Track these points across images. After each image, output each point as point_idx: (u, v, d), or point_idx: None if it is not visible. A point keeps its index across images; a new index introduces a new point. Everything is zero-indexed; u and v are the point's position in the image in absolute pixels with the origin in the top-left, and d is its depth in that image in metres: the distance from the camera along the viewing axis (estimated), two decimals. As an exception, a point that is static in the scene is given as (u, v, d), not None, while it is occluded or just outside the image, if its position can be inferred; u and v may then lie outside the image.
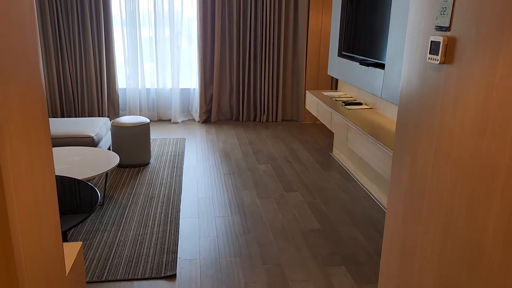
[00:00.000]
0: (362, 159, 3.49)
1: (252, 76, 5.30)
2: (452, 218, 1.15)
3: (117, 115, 5.27)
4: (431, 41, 1.23)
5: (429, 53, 1.25)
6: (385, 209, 3.02)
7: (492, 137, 1.00)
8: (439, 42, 1.19)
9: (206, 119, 5.46)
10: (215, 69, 5.25)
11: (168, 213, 2.90)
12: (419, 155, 1.32)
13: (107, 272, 2.24)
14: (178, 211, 2.94)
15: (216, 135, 4.82)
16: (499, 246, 0.97)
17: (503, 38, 0.96)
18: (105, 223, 2.74)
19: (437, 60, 1.20)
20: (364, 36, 3.09)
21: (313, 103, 3.82)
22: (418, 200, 1.33)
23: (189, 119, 5.52)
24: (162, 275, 2.22)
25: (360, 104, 3.41)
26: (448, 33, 1.17)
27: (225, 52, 5.27)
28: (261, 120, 5.46)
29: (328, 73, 3.82)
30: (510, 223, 0.93)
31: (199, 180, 3.51)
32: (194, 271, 2.27)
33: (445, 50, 1.17)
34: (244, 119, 5.45)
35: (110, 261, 2.33)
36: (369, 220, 2.90)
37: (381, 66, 2.79)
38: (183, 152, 4.18)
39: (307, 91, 4.06)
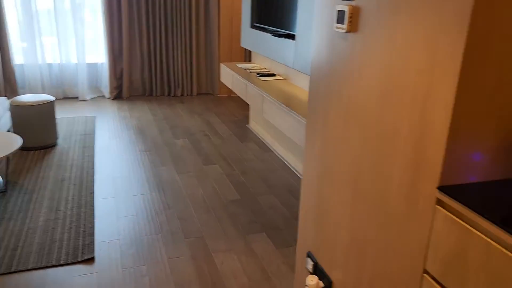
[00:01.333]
0: (277, 129, 3.58)
1: (164, 49, 5.13)
2: (361, 178, 1.24)
3: (15, 93, 4.81)
4: (338, 10, 1.28)
5: (336, 22, 1.30)
6: (301, 176, 3.16)
7: (393, 101, 1.08)
8: (345, 11, 1.24)
9: (117, 95, 5.19)
10: (124, 43, 4.98)
11: (82, 196, 2.75)
12: (330, 121, 1.39)
13: (16, 262, 2.08)
14: (92, 192, 2.80)
15: (129, 112, 4.63)
16: (401, 197, 1.07)
17: (401, 7, 1.02)
18: (10, 211, 2.53)
19: (344, 29, 1.25)
20: (275, 8, 3.13)
21: (227, 75, 3.81)
22: (330, 163, 1.41)
23: (98, 96, 5.22)
24: (79, 259, 2.12)
25: (274, 75, 3.48)
26: (352, 3, 1.22)
27: (133, 24, 5.01)
28: (176, 95, 5.34)
29: (241, 45, 3.82)
30: (410, 176, 1.03)
31: (114, 159, 3.36)
32: (114, 252, 2.20)
33: (351, 19, 1.23)
34: (158, 94, 5.29)
35: (19, 251, 2.16)
36: (287, 188, 3.01)
37: (292, 37, 2.85)
38: (93, 131, 3.96)
39: (221, 64, 4.03)
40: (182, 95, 5.36)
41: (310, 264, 1.60)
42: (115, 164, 3.26)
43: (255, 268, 2.12)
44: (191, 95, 5.40)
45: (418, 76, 0.99)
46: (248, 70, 3.69)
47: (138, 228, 2.43)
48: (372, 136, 1.18)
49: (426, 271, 1.01)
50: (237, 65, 3.95)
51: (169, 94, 5.34)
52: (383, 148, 1.14)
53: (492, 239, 0.82)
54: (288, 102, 2.72)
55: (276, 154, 3.62)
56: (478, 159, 0.97)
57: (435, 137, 0.95)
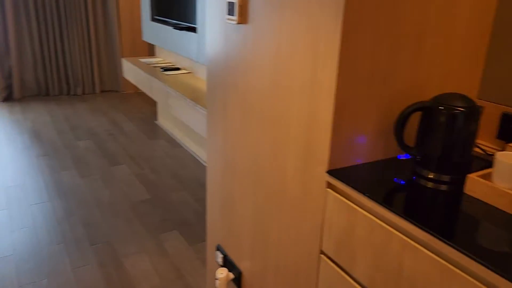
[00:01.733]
0: (186, 124, 3.53)
1: (60, 43, 4.76)
2: (260, 167, 1.26)
3: None
4: (228, 2, 1.27)
5: (228, 14, 1.29)
6: (212, 169, 3.15)
7: (283, 90, 1.10)
8: (234, 2, 1.24)
9: (8, 96, 4.73)
10: (10, 39, 4.53)
11: (-32, 210, 2.46)
12: (229, 113, 1.39)
13: None
14: (-19, 205, 2.53)
15: (23, 114, 4.24)
16: (297, 183, 1.10)
17: (284, -2, 1.05)
18: None
19: (235, 21, 1.25)
20: (174, 0, 3.05)
21: (130, 71, 3.66)
22: (232, 155, 1.41)
23: (-15, 98, 4.71)
24: (-33, 281, 1.90)
25: (179, 69, 3.41)
26: (241, -6, 1.23)
27: (20, 18, 4.58)
28: (77, 93, 5.01)
29: (143, 39, 3.69)
30: (303, 162, 1.06)
31: (5, 167, 3.06)
32: (8, 270, 2.01)
33: (240, 10, 1.23)
34: (56, 94, 4.91)
35: None
36: (198, 183, 2.98)
37: (194, 29, 2.81)
38: (-20, 137, 3.57)
39: (123, 59, 3.85)
40: (84, 93, 5.04)
41: (220, 257, 1.60)
42: (7, 173, 2.97)
43: (167, 267, 2.07)
44: (94, 93, 5.10)
45: (304, 64, 1.02)
46: (152, 65, 3.58)
47: (37, 240, 2.24)
48: (268, 125, 1.20)
49: (322, 252, 1.05)
50: (140, 59, 3.80)
51: (68, 93, 4.98)
52: (278, 136, 1.16)
53: (374, 216, 0.88)
54: (194, 96, 2.69)
55: (187, 149, 3.56)
56: (363, 142, 1.03)
57: (322, 123, 0.99)
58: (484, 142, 1.16)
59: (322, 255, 1.05)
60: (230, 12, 1.28)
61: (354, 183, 0.93)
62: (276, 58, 1.12)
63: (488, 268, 0.66)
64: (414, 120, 1.08)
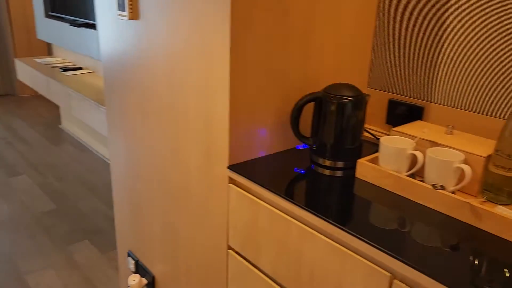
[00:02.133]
0: (92, 126, 3.34)
1: None
2: (164, 167, 1.22)
3: None
4: (118, -3, 1.21)
5: (118, 10, 1.23)
6: (124, 172, 3.02)
7: (181, 87, 1.08)
8: (124, -3, 1.18)
9: None
10: None
11: None
12: (129, 113, 1.33)
13: None
14: None
15: None
16: (200, 181, 1.09)
17: (174, -7, 1.02)
18: None
19: (126, 17, 1.20)
20: (69, -5, 2.86)
21: (25, 72, 3.36)
22: (134, 155, 1.36)
23: None
24: None
25: (80, 68, 3.21)
26: (131, -11, 1.17)
27: None
28: (-35, 100, 4.50)
29: (38, 37, 3.41)
30: (205, 159, 1.05)
31: None
32: None
33: (131, 5, 1.18)
34: None
35: None
36: (109, 187, 2.84)
37: (94, 26, 2.65)
38: None
39: (15, 60, 3.53)
40: (-27, 99, 4.54)
41: (131, 263, 1.54)
42: None
43: (78, 280, 1.95)
44: (-14, 98, 4.62)
45: (198, 61, 1.01)
46: (50, 65, 3.32)
47: None
48: (168, 124, 1.17)
49: (230, 247, 1.05)
50: (37, 60, 3.51)
51: (-46, 100, 4.46)
52: (178, 135, 1.14)
53: (274, 207, 0.90)
54: (97, 96, 2.54)
55: (95, 153, 3.38)
56: (263, 135, 1.05)
57: (219, 119, 0.98)
58: (375, 128, 1.24)
59: (230, 250, 1.05)
60: (121, 7, 1.22)
61: (254, 176, 0.94)
62: (170, 55, 1.09)
63: (377, 248, 0.70)
64: (310, 111, 1.11)
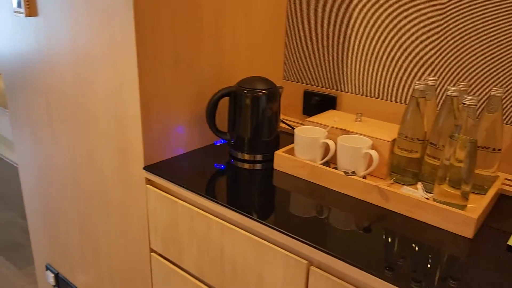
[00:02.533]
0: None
1: None
2: (78, 171, 1.15)
3: None
4: (12, -8, 1.11)
5: (16, 6, 1.13)
6: (41, 180, 2.82)
7: (88, 88, 1.02)
8: (19, -8, 1.09)
9: None
10: None
11: None
12: (35, 116, 1.24)
13: None
14: None
15: None
16: (117, 184, 1.04)
17: (74, -14, 0.96)
18: None
19: (23, 13, 1.10)
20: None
21: None
22: (45, 160, 1.27)
23: None
24: None
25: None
26: (26, -18, 1.08)
27: None
28: None
29: None
30: (120, 161, 1.00)
31: None
32: None
33: (28, 1, 1.09)
34: None
35: None
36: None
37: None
38: None
39: None
40: None
41: (51, 277, 1.44)
42: None
43: (-7, 301, 1.79)
44: None
45: (104, 58, 0.95)
46: None
47: None
48: (79, 124, 1.10)
49: (152, 250, 1.02)
50: None
51: None
52: (91, 136, 1.08)
53: (193, 205, 0.88)
54: (2, 100, 2.34)
55: (8, 161, 3.12)
56: (180, 133, 1.02)
57: (132, 119, 0.94)
58: (293, 119, 1.27)
59: (152, 253, 1.02)
60: (18, 3, 1.12)
61: (172, 176, 0.91)
62: (74, 53, 1.02)
63: (292, 237, 0.71)
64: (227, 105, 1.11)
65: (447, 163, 0.75)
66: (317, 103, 1.20)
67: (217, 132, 1.01)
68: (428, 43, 0.99)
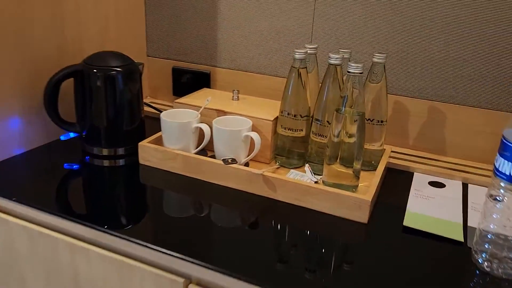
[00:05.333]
0: None
1: None
2: None
3: None
4: None
5: None
6: None
7: None
8: None
9: None
10: None
11: None
12: None
13: None
14: None
15: None
16: None
17: None
18: None
19: None
20: None
21: None
22: None
23: None
24: None
25: None
26: None
27: None
28: None
29: None
30: None
31: None
32: None
33: None
34: None
35: None
36: None
37: None
38: None
39: None
40: None
41: None
42: None
43: None
44: None
45: None
46: None
47: None
48: None
49: (-13, 284, 0.78)
50: None
51: None
52: None
53: (33, 223, 0.67)
54: None
55: None
56: (16, 127, 0.79)
57: None
58: (162, 101, 1.10)
59: (-13, 288, 0.78)
60: None
61: (1, 186, 0.69)
62: None
63: (164, 253, 0.56)
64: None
65: (335, 140, 0.66)
66: (188, 82, 1.04)
67: (61, 123, 0.80)
68: (305, 7, 0.90)
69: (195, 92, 0.91)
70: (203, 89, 0.94)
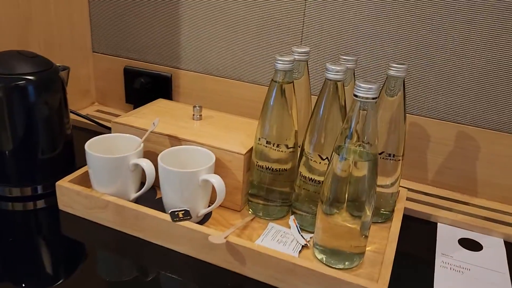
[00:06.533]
0: None
1: None
2: None
3: None
4: None
5: None
6: None
7: None
8: None
9: None
10: None
11: None
12: None
13: None
14: None
15: None
16: None
17: None
18: None
19: None
20: None
21: None
22: None
23: None
24: None
25: None
26: None
27: None
28: None
29: None
30: None
31: None
32: None
33: None
34: None
35: None
36: None
37: None
38: None
39: None
40: None
41: None
42: None
43: None
44: None
45: None
46: None
47: None
48: None
49: None
50: None
51: None
52: None
53: None
54: None
55: None
56: None
57: None
58: (113, 109, 0.87)
59: None
60: None
61: None
62: None
63: None
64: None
65: (336, 179, 0.45)
66: (144, 86, 0.81)
67: None
68: (295, 2, 0.67)
69: (148, 104, 0.68)
70: (158, 100, 0.71)
